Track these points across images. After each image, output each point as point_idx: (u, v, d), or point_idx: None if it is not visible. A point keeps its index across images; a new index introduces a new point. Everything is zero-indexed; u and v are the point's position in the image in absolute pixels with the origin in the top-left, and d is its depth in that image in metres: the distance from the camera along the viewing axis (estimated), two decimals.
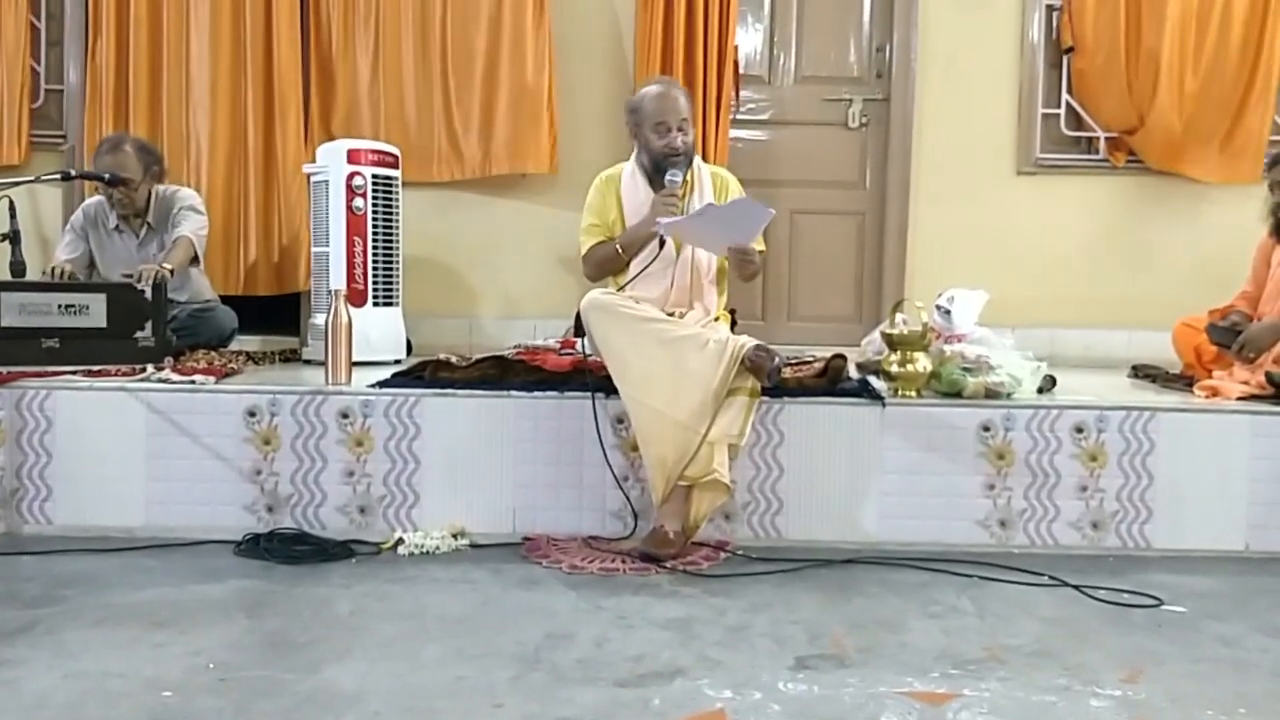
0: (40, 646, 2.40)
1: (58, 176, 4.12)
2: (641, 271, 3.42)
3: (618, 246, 3.48)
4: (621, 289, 3.47)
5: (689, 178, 3.52)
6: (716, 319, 3.52)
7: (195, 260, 4.23)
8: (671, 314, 3.40)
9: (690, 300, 3.49)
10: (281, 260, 4.93)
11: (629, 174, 3.58)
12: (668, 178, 3.42)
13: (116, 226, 4.24)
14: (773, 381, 3.20)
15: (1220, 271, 4.37)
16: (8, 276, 3.73)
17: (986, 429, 3.32)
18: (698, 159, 3.59)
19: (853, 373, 3.67)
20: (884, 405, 3.34)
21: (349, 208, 4.18)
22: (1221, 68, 4.78)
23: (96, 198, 4.32)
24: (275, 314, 5.02)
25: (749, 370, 3.16)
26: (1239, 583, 3.07)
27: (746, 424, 3.20)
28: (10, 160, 4.86)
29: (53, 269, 4.06)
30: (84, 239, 4.27)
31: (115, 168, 4.09)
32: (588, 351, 3.38)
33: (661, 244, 3.41)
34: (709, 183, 3.58)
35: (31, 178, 4.09)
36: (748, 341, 3.19)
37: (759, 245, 3.48)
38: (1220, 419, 3.35)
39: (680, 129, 3.45)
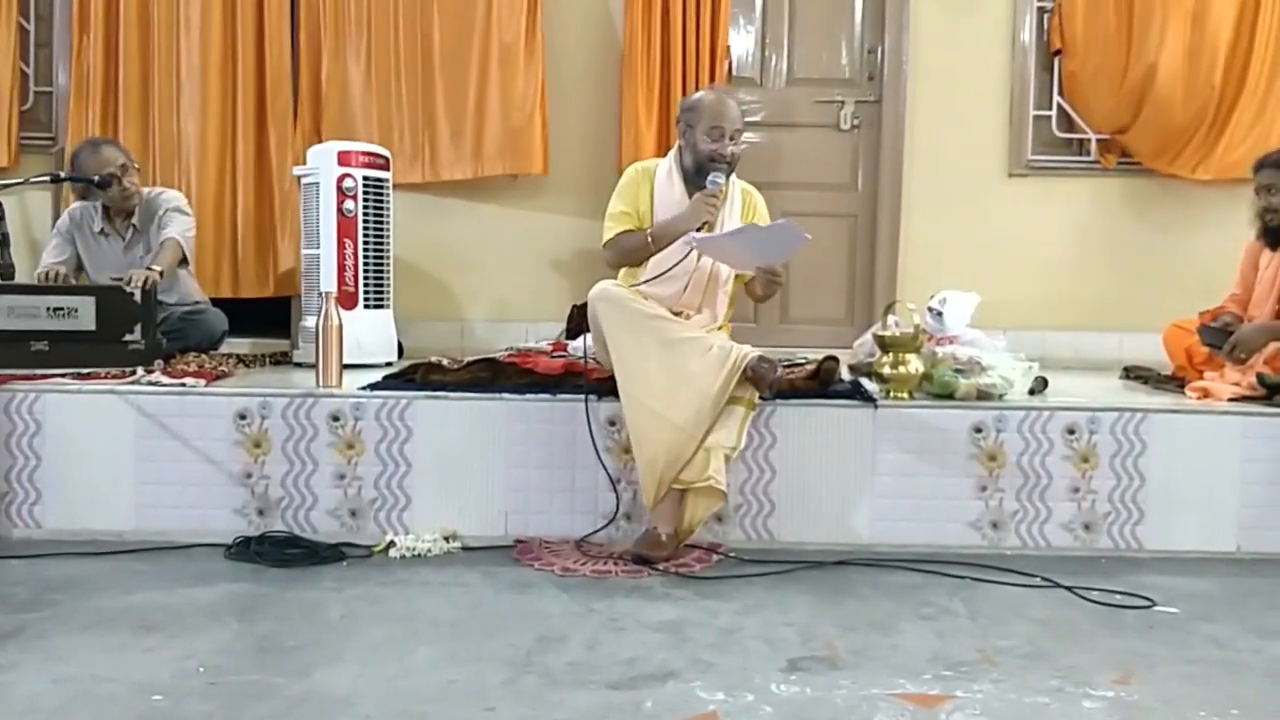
0: (29, 651, 2.39)
1: (47, 179, 4.09)
2: (663, 273, 3.38)
3: (649, 237, 3.41)
4: (635, 285, 3.43)
5: (726, 187, 3.49)
6: (720, 327, 3.51)
7: (184, 262, 4.22)
8: (679, 314, 3.38)
9: (700, 304, 3.47)
10: (273, 263, 4.91)
11: (665, 171, 3.54)
12: (710, 179, 3.37)
13: (102, 230, 4.22)
14: (772, 393, 3.19)
15: (1211, 273, 4.38)
16: None
17: (978, 430, 3.32)
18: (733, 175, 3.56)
19: (845, 375, 3.68)
20: (876, 407, 3.34)
21: (339, 210, 4.17)
22: (1212, 67, 4.78)
23: (81, 202, 4.29)
24: (266, 316, 5.01)
25: (749, 380, 3.15)
26: (1231, 584, 3.07)
27: (742, 435, 3.19)
28: (0, 163, 4.83)
29: (45, 273, 4.05)
30: (70, 243, 4.25)
31: (103, 166, 4.07)
32: (586, 347, 3.37)
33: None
34: (739, 199, 3.55)
35: (20, 180, 4.06)
36: (751, 351, 3.17)
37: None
38: (1212, 420, 3.36)
39: (732, 138, 3.41)
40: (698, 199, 3.38)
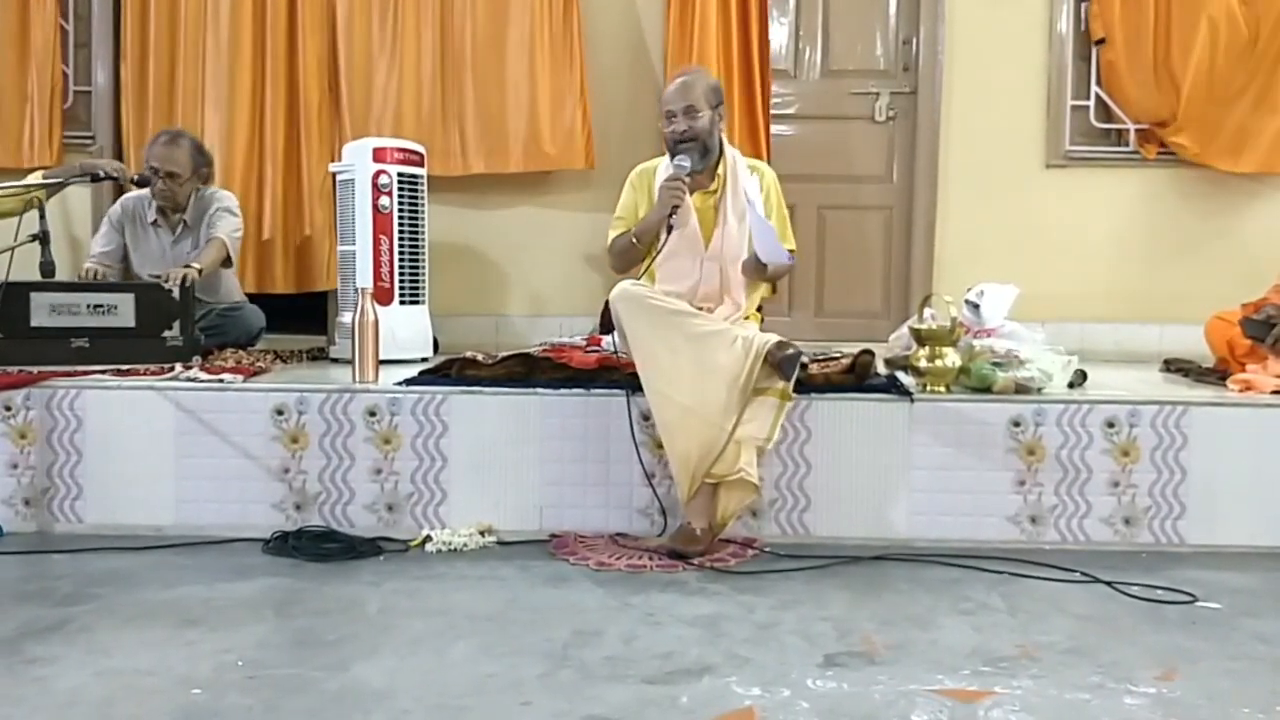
0: (72, 644, 2.42)
1: (86, 179, 4.13)
2: (655, 257, 3.39)
3: (633, 237, 3.46)
4: (646, 273, 3.43)
5: (722, 168, 3.46)
6: (747, 317, 3.50)
7: (227, 262, 4.25)
8: (701, 308, 3.38)
9: (720, 295, 3.45)
10: (302, 258, 4.94)
11: (664, 167, 3.53)
12: (675, 162, 3.37)
13: (154, 221, 4.27)
14: (787, 374, 3.15)
15: (1253, 264, 4.32)
16: (37, 277, 3.75)
17: (1017, 424, 3.29)
18: (734, 151, 3.53)
19: (881, 369, 3.65)
20: (912, 401, 3.31)
21: (375, 206, 4.19)
22: (1254, 57, 4.71)
23: (136, 192, 4.34)
24: (303, 313, 5.04)
25: (769, 365, 3.14)
26: (1275, 579, 3.03)
27: (775, 427, 3.18)
28: (43, 162, 4.87)
29: (87, 270, 4.09)
30: (119, 232, 4.31)
31: (165, 160, 4.13)
32: (615, 346, 3.37)
33: (669, 231, 3.36)
34: (743, 168, 3.50)
35: (59, 180, 4.11)
36: (771, 338, 3.17)
37: (790, 245, 3.50)
38: (1254, 413, 3.31)
39: (685, 114, 3.38)
40: (662, 186, 3.38)
